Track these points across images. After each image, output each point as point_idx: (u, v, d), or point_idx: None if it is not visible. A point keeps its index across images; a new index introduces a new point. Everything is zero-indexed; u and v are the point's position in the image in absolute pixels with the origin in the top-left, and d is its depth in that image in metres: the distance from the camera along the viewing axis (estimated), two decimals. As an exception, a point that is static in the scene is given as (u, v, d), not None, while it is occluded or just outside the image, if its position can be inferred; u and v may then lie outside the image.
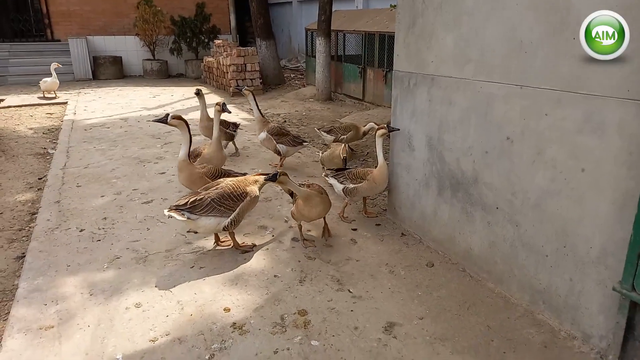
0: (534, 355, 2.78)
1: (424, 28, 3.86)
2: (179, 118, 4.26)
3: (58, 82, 11.60)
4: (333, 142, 6.30)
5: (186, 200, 3.64)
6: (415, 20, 3.95)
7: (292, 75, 15.61)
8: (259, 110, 6.12)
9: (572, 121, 2.75)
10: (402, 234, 4.35)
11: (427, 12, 3.80)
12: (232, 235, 3.93)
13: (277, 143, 5.92)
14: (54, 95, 11.74)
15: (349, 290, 3.40)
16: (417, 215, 4.28)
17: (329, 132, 6.53)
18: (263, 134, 6.00)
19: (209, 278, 3.55)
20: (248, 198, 3.80)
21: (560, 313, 2.99)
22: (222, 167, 5.09)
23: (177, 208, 3.57)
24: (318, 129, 6.80)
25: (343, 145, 5.41)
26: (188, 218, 3.57)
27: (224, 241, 4.08)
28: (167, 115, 4.26)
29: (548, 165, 2.94)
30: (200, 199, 3.64)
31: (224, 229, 3.74)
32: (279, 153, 6.07)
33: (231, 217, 3.68)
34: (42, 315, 3.13)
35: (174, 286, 3.45)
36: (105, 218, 4.66)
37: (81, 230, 4.38)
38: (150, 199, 5.15)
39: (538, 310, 3.14)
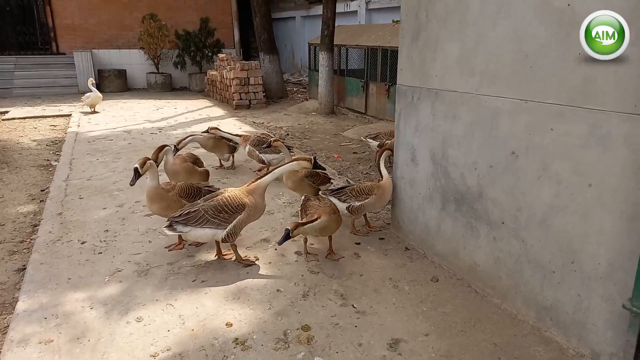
0: (541, 373, 2.73)
1: (427, 41, 3.88)
2: (144, 163, 4.05)
3: (100, 95, 11.45)
4: (377, 147, 6.49)
5: (181, 211, 3.65)
6: (418, 33, 3.97)
7: (294, 89, 15.70)
8: (234, 135, 6.47)
9: (576, 136, 2.74)
10: (406, 248, 4.31)
11: (430, 25, 3.82)
12: (235, 248, 3.90)
13: (261, 153, 6.14)
14: (95, 110, 11.61)
15: (352, 306, 3.36)
16: (421, 229, 4.25)
17: (374, 138, 6.73)
18: (247, 148, 6.28)
19: (211, 292, 3.52)
20: (247, 210, 3.72)
21: (568, 330, 2.95)
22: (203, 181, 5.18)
23: (172, 219, 3.63)
24: (364, 137, 7.01)
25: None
26: (179, 232, 3.64)
27: (225, 254, 4.05)
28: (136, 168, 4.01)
29: (553, 181, 2.92)
30: (195, 210, 3.63)
31: (222, 242, 3.73)
32: (263, 162, 6.29)
33: (227, 229, 3.64)
34: (42, 329, 3.09)
35: (176, 300, 3.42)
36: (107, 230, 4.64)
37: (83, 243, 4.36)
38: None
39: (545, 327, 3.09)
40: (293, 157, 3.90)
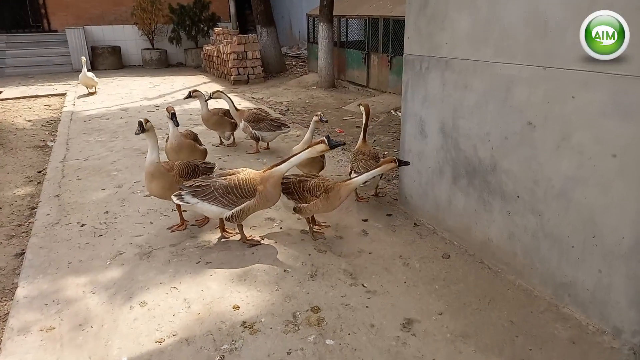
0: (561, 351, 2.64)
1: (436, 8, 3.66)
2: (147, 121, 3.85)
3: (91, 76, 10.59)
4: None
5: (193, 182, 3.57)
6: (427, 0, 3.74)
7: (293, 63, 15.36)
8: (234, 106, 6.16)
9: (599, 104, 2.57)
10: (415, 224, 4.19)
11: (440, -9, 3.60)
12: (241, 228, 3.78)
13: (255, 129, 5.99)
14: (94, 91, 10.98)
15: (362, 285, 3.25)
16: (430, 204, 4.12)
17: None
18: (241, 124, 6.08)
19: (216, 274, 3.41)
20: (256, 197, 3.51)
21: (587, 307, 2.84)
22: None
23: (182, 188, 3.58)
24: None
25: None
26: (186, 202, 3.55)
27: (229, 232, 3.93)
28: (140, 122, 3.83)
29: (574, 152, 2.77)
30: (206, 185, 3.53)
31: (226, 220, 3.62)
32: (256, 139, 6.15)
33: (232, 211, 3.52)
34: (42, 316, 2.99)
35: (180, 283, 3.31)
36: (107, 212, 4.51)
37: (82, 225, 4.23)
38: (152, 191, 4.99)
39: (563, 304, 2.99)
40: (307, 145, 3.65)
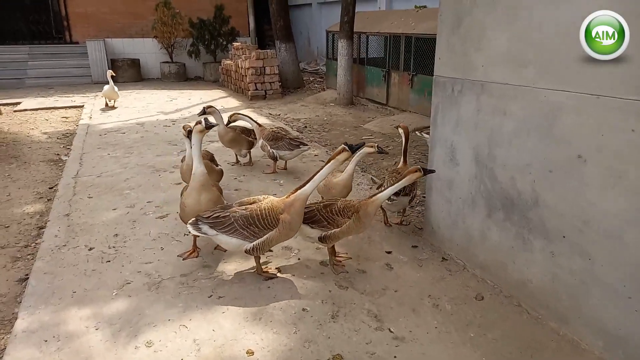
0: (619, 421, 2.30)
1: (471, 28, 3.41)
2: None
3: (116, 90, 10.35)
4: None
5: (211, 212, 3.33)
6: (461, 19, 3.50)
7: (311, 79, 15.22)
8: (255, 122, 6.00)
9: (666, 139, 2.28)
10: (443, 258, 3.89)
11: (475, 10, 3.35)
12: (257, 258, 3.52)
13: (273, 148, 5.77)
14: (113, 104, 10.73)
15: (389, 330, 2.96)
16: (460, 237, 3.82)
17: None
18: (260, 141, 5.90)
19: (229, 311, 3.14)
20: (279, 227, 3.24)
21: (647, 367, 2.51)
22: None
23: (198, 219, 3.34)
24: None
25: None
26: (204, 234, 3.32)
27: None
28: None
29: (631, 191, 2.47)
30: (225, 216, 3.29)
31: (245, 252, 3.35)
32: (274, 159, 5.91)
33: (254, 243, 3.27)
34: (41, 354, 2.75)
35: (190, 320, 3.05)
36: (116, 235, 4.29)
37: (90, 249, 4.02)
38: (164, 213, 4.77)
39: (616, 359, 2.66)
40: (328, 159, 3.44)
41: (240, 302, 3.24)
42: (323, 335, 2.90)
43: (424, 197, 5.14)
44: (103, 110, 10.44)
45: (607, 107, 2.53)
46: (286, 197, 3.34)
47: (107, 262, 3.81)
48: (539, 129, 2.96)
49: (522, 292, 3.25)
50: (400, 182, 3.50)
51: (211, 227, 3.29)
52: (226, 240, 3.31)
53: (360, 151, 3.92)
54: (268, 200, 3.37)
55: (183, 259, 3.82)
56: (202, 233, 3.32)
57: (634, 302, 2.53)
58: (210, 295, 3.32)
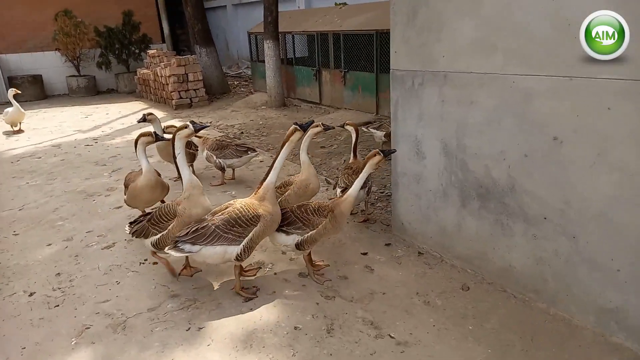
0: (631, 392, 2.36)
1: (429, 18, 3.38)
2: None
3: (23, 111, 9.19)
4: (384, 137, 6.00)
5: (187, 229, 3.06)
6: (416, 10, 3.46)
7: (235, 83, 14.77)
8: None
9: (641, 114, 2.37)
10: (419, 252, 3.85)
11: (432, 0, 3.33)
12: (238, 272, 3.29)
13: (219, 158, 5.46)
14: (18, 128, 9.44)
15: (390, 336, 2.83)
16: (434, 230, 3.80)
17: (378, 127, 6.22)
18: (204, 153, 5.57)
19: (214, 342, 2.84)
20: (262, 221, 3.13)
21: (641, 335, 2.61)
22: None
23: (177, 240, 3.04)
24: (366, 128, 6.34)
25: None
26: (189, 252, 3.06)
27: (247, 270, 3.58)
28: None
29: (613, 168, 2.55)
30: (204, 226, 3.05)
31: (235, 259, 3.13)
32: (222, 169, 5.60)
33: (242, 244, 3.09)
34: None
35: (172, 360, 2.72)
36: (58, 274, 3.77)
37: (31, 295, 3.49)
38: (110, 242, 4.29)
39: (609, 333, 2.74)
40: (282, 142, 3.35)
41: (223, 330, 2.95)
42: (324, 353, 2.71)
43: (384, 193, 5.11)
44: (8, 134, 9.30)
45: (580, 89, 2.59)
46: (254, 194, 3.28)
47: (55, 307, 3.32)
48: (511, 115, 2.99)
49: (506, 278, 3.28)
50: (364, 172, 3.43)
51: (192, 243, 3.03)
52: (210, 253, 3.07)
53: (308, 133, 3.80)
54: (240, 201, 3.26)
55: (179, 276, 3.57)
56: (185, 253, 3.08)
57: (623, 274, 2.62)
58: (188, 328, 2.99)
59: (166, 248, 3.11)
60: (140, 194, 4.05)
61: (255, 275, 3.56)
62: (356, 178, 4.20)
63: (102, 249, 4.17)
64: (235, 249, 3.08)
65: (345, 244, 4.05)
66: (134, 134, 8.59)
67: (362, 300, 3.21)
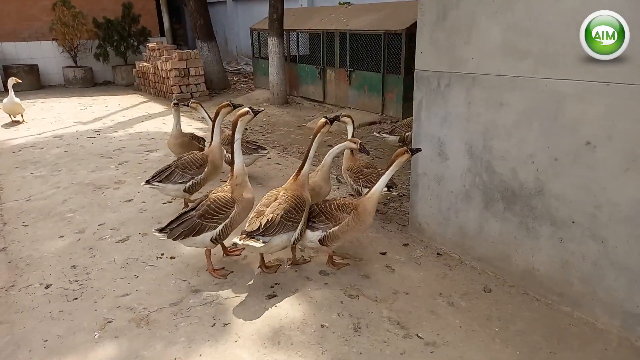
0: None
1: (459, 20, 3.38)
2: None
3: (18, 102, 8.87)
4: (398, 142, 5.94)
5: (258, 224, 3.13)
6: (446, 11, 3.46)
7: (235, 79, 14.68)
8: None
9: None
10: (438, 253, 3.85)
11: (463, 1, 3.33)
12: (262, 256, 3.53)
13: (229, 153, 5.32)
14: (18, 119, 9.21)
15: (417, 336, 2.83)
16: (454, 231, 3.81)
17: (391, 132, 6.15)
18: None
19: (242, 338, 2.82)
20: (307, 206, 3.41)
21: (669, 339, 2.64)
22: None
23: (250, 235, 3.12)
24: (378, 133, 6.31)
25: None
26: (264, 243, 3.14)
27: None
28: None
29: (646, 173, 2.57)
30: (271, 219, 3.14)
31: (294, 243, 3.38)
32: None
33: (299, 227, 3.31)
34: None
35: (200, 356, 2.68)
36: (74, 266, 3.71)
37: (47, 287, 3.43)
38: (124, 235, 4.23)
39: (635, 337, 2.77)
40: (313, 134, 3.57)
41: (250, 326, 2.92)
42: (353, 351, 2.70)
43: (397, 193, 5.12)
44: (7, 126, 9.12)
45: (616, 93, 2.60)
46: (294, 181, 3.48)
47: (73, 299, 3.27)
48: (542, 119, 3.00)
49: (529, 280, 3.30)
50: (390, 169, 3.44)
51: (264, 235, 3.13)
52: (278, 242, 3.22)
53: (341, 145, 3.77)
54: (277, 189, 3.48)
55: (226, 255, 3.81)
56: (262, 243, 3.12)
57: (653, 280, 2.65)
58: (214, 324, 2.96)
59: (238, 240, 3.09)
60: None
61: (276, 270, 3.56)
62: (364, 181, 4.28)
63: (116, 242, 4.11)
64: (294, 235, 3.28)
65: (363, 244, 4.05)
66: (137, 127, 8.55)
67: (386, 300, 3.20)
